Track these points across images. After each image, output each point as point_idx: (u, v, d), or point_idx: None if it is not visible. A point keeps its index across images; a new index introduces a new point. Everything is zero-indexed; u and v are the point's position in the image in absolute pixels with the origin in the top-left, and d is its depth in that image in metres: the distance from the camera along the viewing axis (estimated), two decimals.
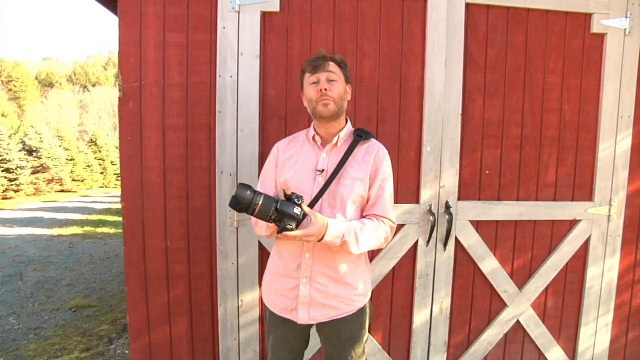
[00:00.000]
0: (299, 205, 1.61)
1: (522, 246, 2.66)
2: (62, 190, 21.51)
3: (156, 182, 2.33)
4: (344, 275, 1.80)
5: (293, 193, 1.63)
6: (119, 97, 2.28)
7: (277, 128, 2.35)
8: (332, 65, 1.76)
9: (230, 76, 2.27)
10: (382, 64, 2.40)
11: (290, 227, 1.61)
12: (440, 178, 2.48)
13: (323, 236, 1.66)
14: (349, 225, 1.71)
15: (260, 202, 1.58)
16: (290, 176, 1.81)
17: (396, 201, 2.44)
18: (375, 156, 1.81)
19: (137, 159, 2.31)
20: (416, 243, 2.52)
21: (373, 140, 1.86)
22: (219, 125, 2.30)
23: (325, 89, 1.73)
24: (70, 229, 9.99)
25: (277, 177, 1.86)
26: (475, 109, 2.51)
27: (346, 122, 1.86)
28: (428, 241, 2.50)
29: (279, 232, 1.63)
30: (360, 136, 1.81)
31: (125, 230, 2.35)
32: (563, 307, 2.77)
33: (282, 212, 1.59)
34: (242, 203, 1.58)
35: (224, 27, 2.25)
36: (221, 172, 2.32)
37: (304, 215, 1.63)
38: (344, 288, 1.81)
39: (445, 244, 2.51)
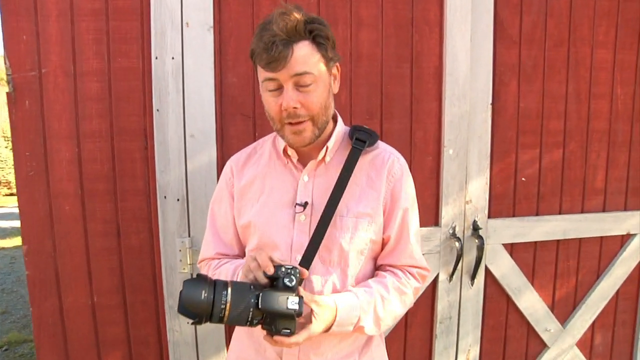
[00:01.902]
0: (294, 290, 0.94)
1: (565, 271, 2.09)
2: (11, 194, 20.05)
3: (72, 214, 1.63)
4: None
5: (280, 267, 0.96)
6: (8, 93, 1.55)
7: (242, 130, 1.68)
8: (301, 50, 1.00)
9: (172, 58, 1.58)
10: (387, 37, 1.75)
11: (288, 332, 0.94)
12: (467, 190, 1.86)
13: (329, 327, 1.03)
14: (366, 301, 1.08)
15: (229, 301, 0.91)
16: (255, 216, 1.14)
17: None
18: (389, 173, 1.15)
19: (41, 182, 1.60)
20: (436, 278, 1.90)
21: (382, 146, 1.20)
22: (159, 130, 1.61)
23: (295, 108, 1.02)
24: (15, 239, 8.95)
25: (235, 215, 1.19)
26: (509, 96, 1.90)
27: (335, 121, 1.18)
28: (452, 275, 1.89)
29: (270, 335, 0.97)
30: (362, 142, 1.13)
31: (32, 285, 1.66)
32: (613, 343, 2.23)
33: (270, 312, 0.93)
34: (198, 312, 0.91)
35: None
36: (165, 197, 1.63)
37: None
38: None
39: (473, 277, 1.91)
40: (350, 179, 1.10)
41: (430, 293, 1.92)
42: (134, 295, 1.71)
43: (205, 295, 0.90)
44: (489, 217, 1.92)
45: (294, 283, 0.93)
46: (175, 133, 1.62)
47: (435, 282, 1.90)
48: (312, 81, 1.02)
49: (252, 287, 0.94)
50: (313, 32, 1.01)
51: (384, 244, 1.18)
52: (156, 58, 1.58)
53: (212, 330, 1.73)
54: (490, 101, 1.85)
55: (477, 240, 1.86)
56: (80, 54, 1.57)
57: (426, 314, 1.94)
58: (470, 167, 1.85)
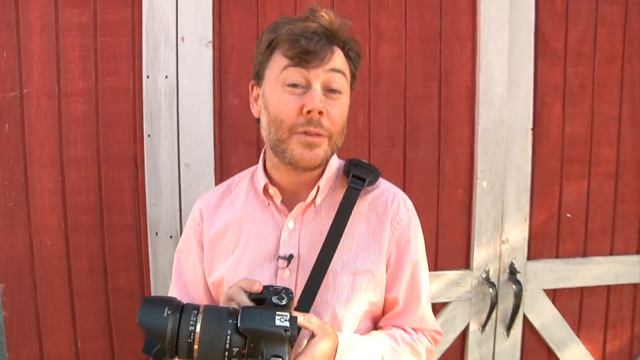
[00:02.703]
0: (284, 310, 0.75)
1: (618, 321, 1.84)
2: None
3: (55, 251, 1.49)
4: None
5: (268, 287, 0.79)
6: None
7: (244, 159, 1.52)
8: (338, 57, 0.88)
9: (166, 76, 1.43)
10: (411, 52, 1.56)
11: None
12: (503, 228, 1.64)
13: None
14: (374, 347, 0.89)
15: (200, 323, 0.72)
16: (229, 272, 0.96)
17: (434, 268, 1.61)
18: (393, 219, 0.96)
19: (21, 214, 1.47)
20: (466, 329, 1.67)
21: (384, 185, 1.01)
22: (150, 158, 1.46)
23: (321, 113, 0.85)
24: None
25: (205, 270, 1.01)
26: (552, 120, 1.68)
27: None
28: (484, 325, 1.66)
29: None
30: (360, 180, 0.94)
31: (9, 329, 1.51)
32: None
33: (254, 333, 0.72)
34: (158, 337, 0.72)
35: None
36: (156, 234, 1.48)
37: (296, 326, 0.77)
38: None
39: (509, 328, 1.67)
40: (347, 226, 0.92)
41: (460, 345, 1.69)
42: (122, 341, 1.56)
43: (169, 313, 0.72)
44: (528, 258, 1.69)
45: (284, 301, 0.76)
46: (169, 161, 1.46)
47: (465, 332, 1.67)
48: (342, 89, 0.89)
49: (231, 309, 0.76)
50: (347, 45, 0.91)
51: (388, 305, 0.98)
52: (148, 77, 1.42)
53: None
54: (530, 126, 1.64)
55: (514, 286, 1.63)
56: (65, 72, 1.44)
57: None
58: (507, 202, 1.63)
